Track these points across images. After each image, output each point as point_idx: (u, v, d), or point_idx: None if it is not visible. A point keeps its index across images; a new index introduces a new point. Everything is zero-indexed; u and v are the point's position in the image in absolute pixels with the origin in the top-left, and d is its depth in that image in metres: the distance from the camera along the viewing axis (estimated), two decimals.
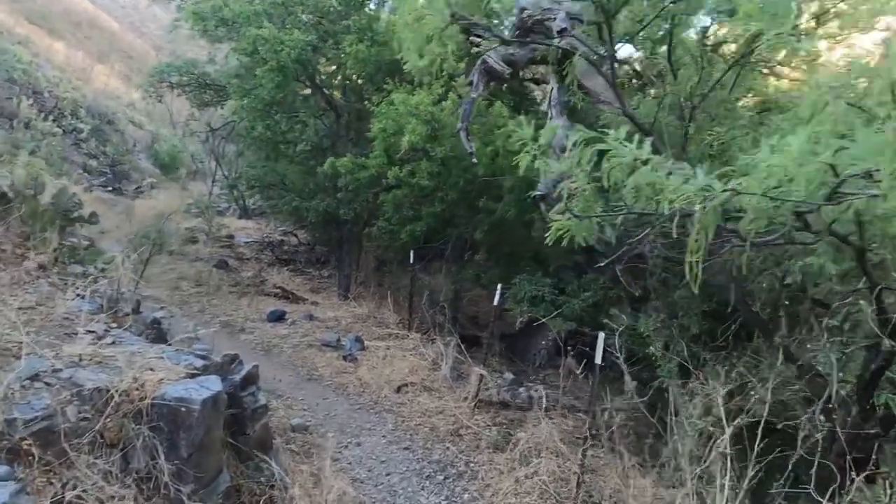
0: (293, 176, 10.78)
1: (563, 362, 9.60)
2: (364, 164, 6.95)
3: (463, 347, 7.70)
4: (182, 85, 12.17)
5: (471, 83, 5.21)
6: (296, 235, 14.40)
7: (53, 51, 24.43)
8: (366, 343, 7.96)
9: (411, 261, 8.71)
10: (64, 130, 21.14)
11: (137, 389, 3.22)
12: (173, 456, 3.15)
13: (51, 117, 20.53)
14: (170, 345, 4.58)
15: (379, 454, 5.08)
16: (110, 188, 20.58)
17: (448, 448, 5.24)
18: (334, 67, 10.49)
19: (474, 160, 5.52)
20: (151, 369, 3.53)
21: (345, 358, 7.43)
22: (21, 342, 3.17)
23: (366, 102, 8.25)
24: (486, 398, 6.41)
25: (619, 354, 4.25)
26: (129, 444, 3.06)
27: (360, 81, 10.00)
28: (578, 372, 8.66)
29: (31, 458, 2.61)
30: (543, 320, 5.53)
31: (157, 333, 4.97)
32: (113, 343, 3.82)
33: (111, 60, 28.34)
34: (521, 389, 7.53)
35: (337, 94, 10.63)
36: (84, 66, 25.64)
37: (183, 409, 3.17)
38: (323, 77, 10.25)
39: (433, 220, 7.41)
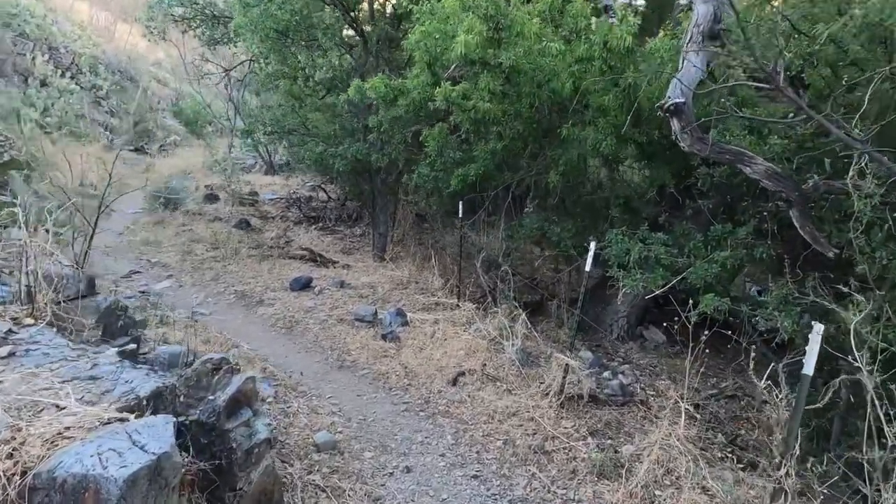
0: (317, 119, 9.16)
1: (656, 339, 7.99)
2: (401, 86, 5.27)
3: (527, 321, 6.14)
4: (187, 18, 10.53)
5: None
6: (324, 190, 12.90)
7: (75, 10, 23.00)
8: (409, 316, 6.45)
9: (460, 214, 7.08)
10: (82, 87, 20.03)
11: (11, 456, 1.74)
12: None
13: (68, 74, 19.38)
14: (109, 343, 3.12)
15: (437, 486, 3.59)
16: (132, 147, 19.68)
17: (534, 475, 3.72)
18: None
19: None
20: (58, 406, 2.04)
21: (384, 337, 5.95)
22: None
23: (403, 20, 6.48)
24: (569, 391, 4.85)
25: (857, 362, 2.56)
26: None
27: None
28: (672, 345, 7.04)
29: None
30: (706, 304, 3.78)
31: (120, 326, 3.52)
32: (10, 356, 2.35)
33: (136, 19, 26.85)
34: (607, 374, 5.95)
35: (364, 21, 8.85)
36: (107, 25, 24.32)
37: (88, 495, 1.68)
38: None
39: (489, 161, 5.73)
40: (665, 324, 7.75)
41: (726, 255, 3.93)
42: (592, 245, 4.32)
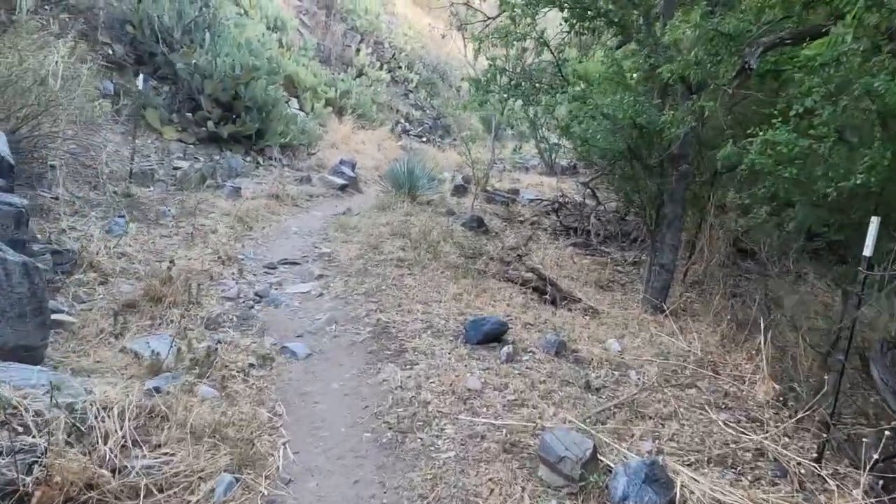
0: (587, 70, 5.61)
1: None
2: None
3: None
4: None
5: None
6: (594, 193, 9.20)
7: (420, 23, 23.51)
8: (677, 487, 2.44)
9: (868, 243, 2.71)
10: (395, 80, 20.52)
11: None
12: None
13: (386, 68, 19.94)
14: None
15: None
16: (424, 138, 19.66)
17: None
18: None
19: None
20: None
21: None
22: None
23: None
24: None
25: None
26: None
27: None
28: None
29: None
30: None
31: None
32: None
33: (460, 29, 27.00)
34: None
35: None
36: (442, 35, 24.72)
37: None
38: None
39: None
40: None
41: None
42: None
